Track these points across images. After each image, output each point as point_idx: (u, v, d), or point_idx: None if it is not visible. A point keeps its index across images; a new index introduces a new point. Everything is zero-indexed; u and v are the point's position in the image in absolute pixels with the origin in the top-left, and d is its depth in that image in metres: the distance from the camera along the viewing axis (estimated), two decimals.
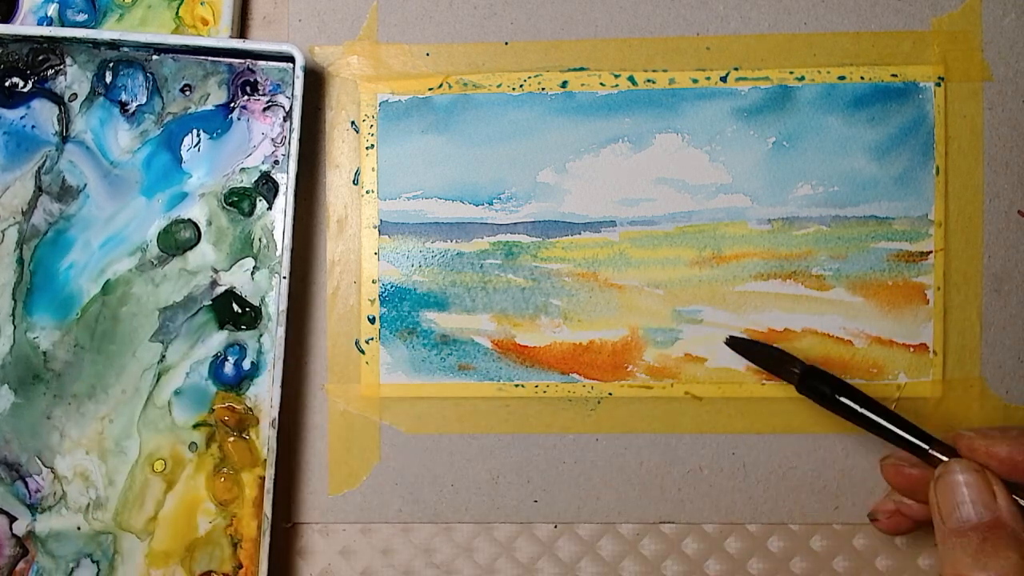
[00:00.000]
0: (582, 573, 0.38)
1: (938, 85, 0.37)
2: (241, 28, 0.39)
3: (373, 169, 0.38)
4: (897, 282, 0.37)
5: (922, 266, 0.37)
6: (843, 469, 0.37)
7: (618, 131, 0.38)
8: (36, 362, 0.37)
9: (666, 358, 0.37)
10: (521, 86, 0.38)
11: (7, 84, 0.37)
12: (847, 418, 0.33)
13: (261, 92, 0.37)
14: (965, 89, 0.37)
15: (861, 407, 0.32)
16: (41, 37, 0.36)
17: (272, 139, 0.37)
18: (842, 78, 0.37)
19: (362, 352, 0.38)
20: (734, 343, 0.36)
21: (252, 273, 0.37)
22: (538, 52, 0.38)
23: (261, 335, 0.37)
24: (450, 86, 0.38)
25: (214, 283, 0.37)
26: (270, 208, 0.37)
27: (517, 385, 0.38)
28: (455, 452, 0.38)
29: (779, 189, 0.37)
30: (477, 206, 0.38)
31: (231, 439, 0.37)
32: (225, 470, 0.37)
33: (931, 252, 0.37)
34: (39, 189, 0.37)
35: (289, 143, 0.36)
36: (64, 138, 0.37)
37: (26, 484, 0.37)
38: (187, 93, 0.37)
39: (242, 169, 0.37)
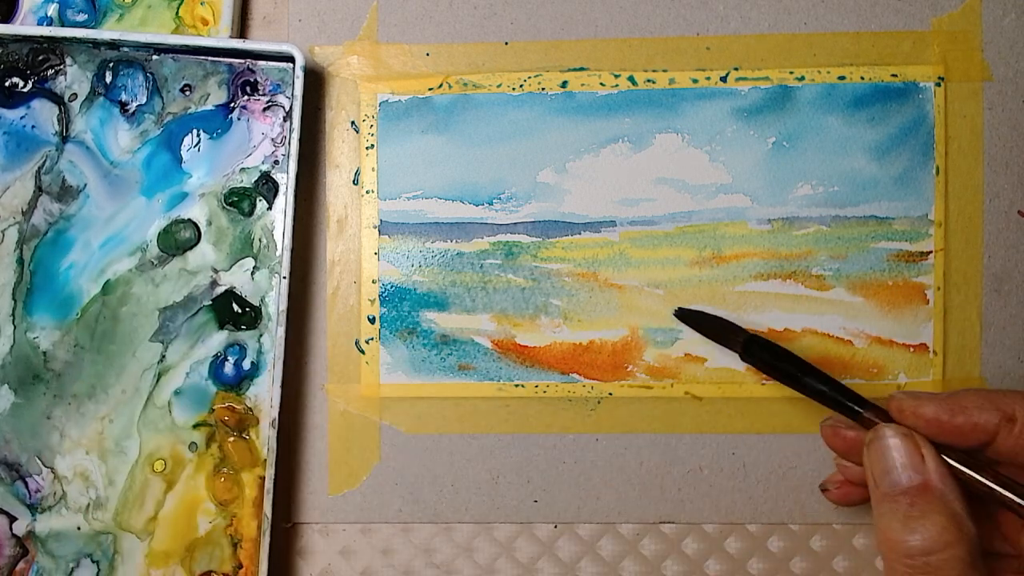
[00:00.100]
0: (582, 573, 0.38)
1: (938, 85, 0.37)
2: (241, 28, 0.39)
3: (373, 169, 0.38)
4: (897, 282, 0.37)
5: (922, 266, 0.37)
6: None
7: (618, 131, 0.38)
8: (36, 362, 0.37)
9: (666, 358, 0.37)
10: (521, 86, 0.38)
11: (7, 84, 0.37)
12: (790, 386, 0.33)
13: (261, 92, 0.37)
14: (965, 89, 0.37)
15: (799, 372, 0.33)
16: (41, 37, 0.36)
17: (272, 139, 0.37)
18: (842, 78, 0.37)
19: (362, 352, 0.38)
20: (683, 315, 0.37)
21: (252, 273, 0.37)
22: (538, 52, 0.38)
23: (261, 335, 0.37)
24: (450, 86, 0.38)
25: (214, 283, 0.37)
26: (270, 208, 0.37)
27: (517, 385, 0.38)
28: (455, 452, 0.38)
29: (779, 189, 0.37)
30: (477, 206, 0.38)
31: (231, 439, 0.37)
32: (225, 470, 0.37)
33: (931, 252, 0.37)
34: (39, 189, 0.37)
35: (289, 143, 0.36)
36: (64, 138, 0.37)
37: (26, 484, 0.37)
38: (187, 93, 0.37)
39: (242, 169, 0.37)
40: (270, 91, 0.37)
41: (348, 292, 0.38)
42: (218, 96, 0.37)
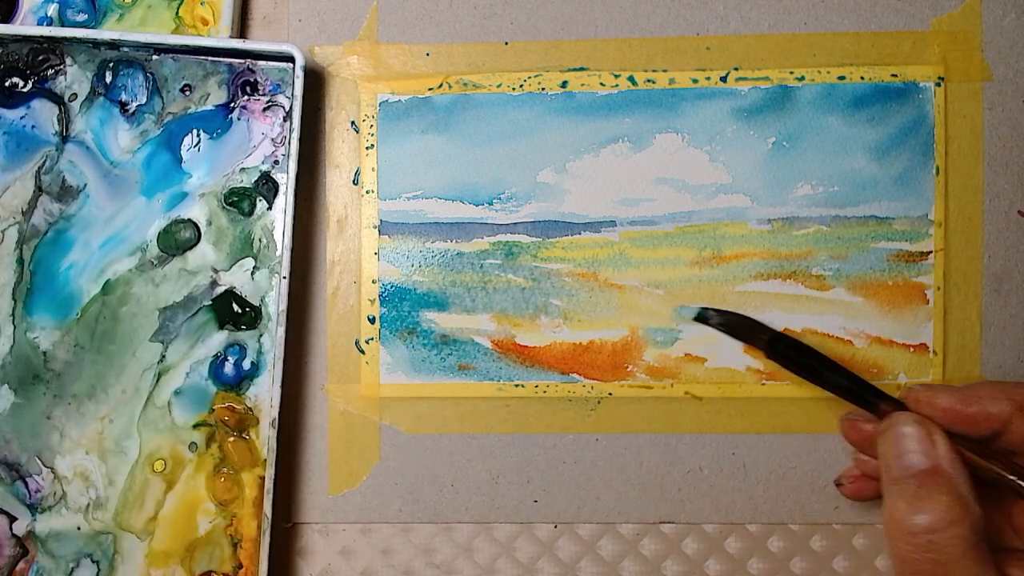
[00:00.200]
0: (582, 573, 0.38)
1: (938, 85, 0.37)
2: (241, 28, 0.39)
3: (373, 169, 0.38)
4: (897, 282, 0.37)
5: (922, 266, 0.37)
6: (843, 469, 0.37)
7: (618, 131, 0.38)
8: (36, 362, 0.37)
9: (666, 358, 0.37)
10: (521, 86, 0.38)
11: (7, 84, 0.37)
12: (811, 380, 0.34)
13: (261, 92, 0.37)
14: (965, 89, 0.37)
15: (822, 367, 0.34)
16: (41, 37, 0.36)
17: (272, 139, 0.37)
18: (842, 78, 0.37)
19: (362, 352, 0.38)
20: (705, 314, 0.37)
21: (252, 273, 0.37)
22: (538, 52, 0.38)
23: (261, 335, 0.37)
24: (450, 86, 0.38)
25: (214, 283, 0.37)
26: (270, 208, 0.37)
27: (517, 385, 0.38)
28: (455, 452, 0.38)
29: (779, 189, 0.37)
30: (477, 206, 0.38)
31: (231, 439, 0.37)
32: (225, 470, 0.37)
33: (931, 252, 0.37)
34: (39, 189, 0.37)
35: (289, 143, 0.36)
36: (64, 138, 0.37)
37: (26, 484, 0.37)
38: (187, 93, 0.37)
39: (242, 169, 0.37)
40: (270, 91, 0.37)
41: (348, 292, 0.38)
42: (218, 96, 0.37)
